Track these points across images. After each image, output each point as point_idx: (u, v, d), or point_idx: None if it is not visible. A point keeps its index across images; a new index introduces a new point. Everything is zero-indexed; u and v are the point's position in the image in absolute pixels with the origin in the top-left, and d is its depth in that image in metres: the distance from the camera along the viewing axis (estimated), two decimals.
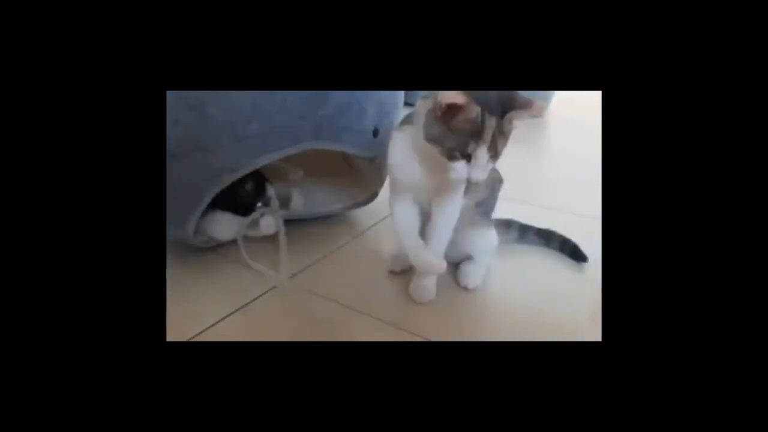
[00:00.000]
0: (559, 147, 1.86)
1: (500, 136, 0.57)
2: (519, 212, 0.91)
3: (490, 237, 0.77)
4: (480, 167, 0.57)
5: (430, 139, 0.58)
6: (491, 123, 0.56)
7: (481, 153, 0.57)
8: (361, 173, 0.92)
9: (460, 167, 0.57)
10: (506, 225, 0.87)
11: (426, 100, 0.60)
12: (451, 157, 0.57)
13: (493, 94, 0.57)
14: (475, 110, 0.55)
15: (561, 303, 0.73)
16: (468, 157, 0.57)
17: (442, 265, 0.68)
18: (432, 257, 0.67)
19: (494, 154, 0.58)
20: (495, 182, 0.73)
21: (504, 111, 0.56)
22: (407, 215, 0.68)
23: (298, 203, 0.92)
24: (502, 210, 0.83)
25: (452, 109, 0.55)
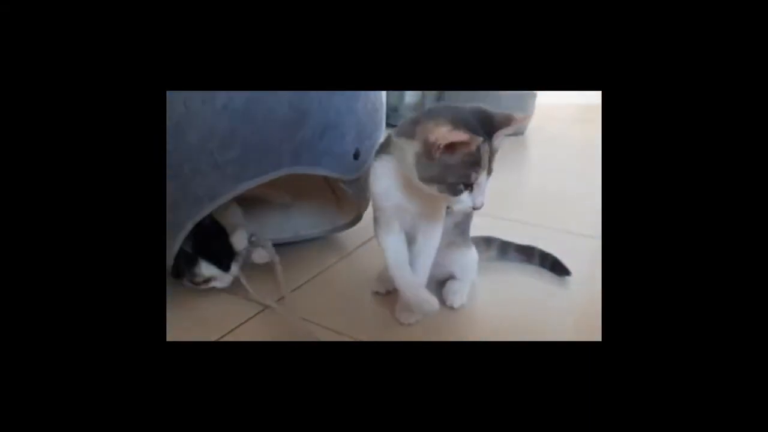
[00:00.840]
0: (538, 163, 1.90)
1: (492, 156, 0.57)
2: (499, 228, 0.92)
3: (470, 255, 0.78)
4: (482, 192, 0.58)
5: (428, 180, 0.56)
6: (486, 148, 0.55)
7: (483, 179, 0.57)
8: (345, 196, 0.92)
9: (465, 198, 0.57)
10: (486, 242, 0.88)
11: (408, 141, 0.58)
12: (456, 192, 0.56)
13: (468, 115, 0.56)
14: (476, 142, 0.53)
15: (547, 318, 0.73)
16: (470, 187, 0.57)
17: (436, 305, 0.66)
18: (428, 296, 0.66)
19: (490, 173, 0.58)
20: None
21: (488, 132, 0.56)
22: (398, 249, 0.67)
23: (240, 242, 0.86)
24: (482, 227, 0.84)
25: (451, 147, 0.53)
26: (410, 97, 2.77)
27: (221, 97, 0.63)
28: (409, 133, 0.58)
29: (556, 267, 0.84)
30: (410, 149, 0.57)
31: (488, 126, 0.56)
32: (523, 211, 1.17)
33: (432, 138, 0.53)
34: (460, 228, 0.74)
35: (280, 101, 0.67)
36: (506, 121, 0.57)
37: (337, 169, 0.78)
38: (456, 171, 0.55)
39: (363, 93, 0.78)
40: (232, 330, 0.70)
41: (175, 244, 0.72)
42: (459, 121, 0.55)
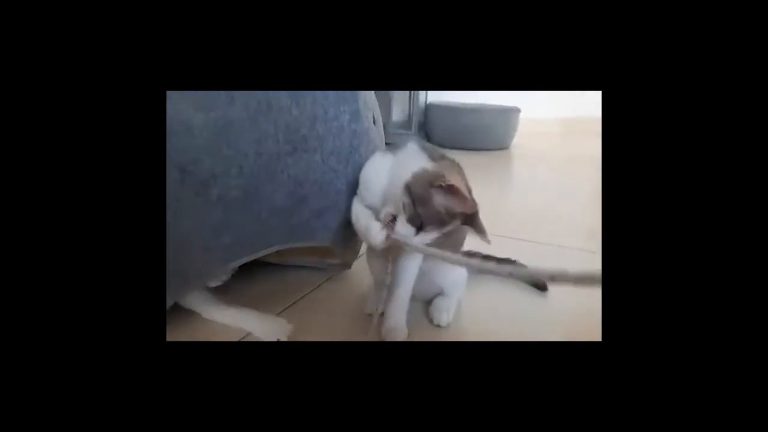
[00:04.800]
0: (522, 178, 1.93)
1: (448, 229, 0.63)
2: (482, 243, 0.93)
3: (459, 270, 0.78)
4: (396, 231, 0.61)
5: (408, 188, 0.59)
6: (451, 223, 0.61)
7: (426, 237, 0.61)
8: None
9: (401, 227, 0.61)
10: (468, 257, 0.88)
11: (427, 158, 0.62)
12: (408, 220, 0.60)
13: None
14: (472, 208, 0.59)
15: (531, 332, 0.73)
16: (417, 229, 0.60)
17: (405, 333, 0.68)
18: (398, 323, 0.68)
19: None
20: None
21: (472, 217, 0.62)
22: (363, 210, 0.69)
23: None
24: (466, 242, 0.85)
25: (450, 190, 0.57)
26: (398, 115, 2.82)
27: (216, 187, 0.59)
28: (433, 155, 0.62)
29: (536, 282, 0.86)
30: (420, 161, 0.61)
31: (476, 212, 0.61)
32: (506, 225, 1.19)
33: (441, 178, 0.57)
34: (451, 240, 0.75)
35: (278, 191, 0.64)
36: (483, 229, 0.63)
37: (332, 241, 0.75)
38: (423, 211, 0.59)
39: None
40: None
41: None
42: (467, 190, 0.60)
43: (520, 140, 2.63)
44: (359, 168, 0.71)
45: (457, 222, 0.61)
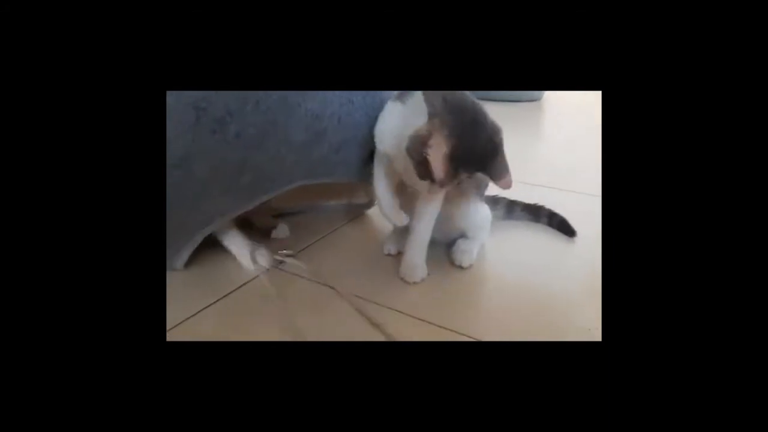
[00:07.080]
0: (553, 128, 1.86)
1: (465, 178, 0.61)
2: (512, 189, 0.91)
3: (483, 212, 0.77)
4: (436, 196, 0.65)
5: (408, 152, 0.58)
6: (460, 177, 0.58)
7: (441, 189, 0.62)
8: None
9: (423, 185, 0.61)
10: (494, 201, 0.87)
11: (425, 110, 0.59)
12: (419, 175, 0.59)
13: (481, 141, 0.57)
14: (443, 185, 0.58)
15: (555, 277, 0.72)
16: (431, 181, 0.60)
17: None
18: (417, 262, 0.70)
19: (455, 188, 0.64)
20: None
21: (479, 168, 0.58)
22: (384, 175, 0.70)
23: (282, 233, 0.86)
24: (493, 188, 0.83)
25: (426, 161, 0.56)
26: None
27: (233, 125, 0.58)
28: (433, 106, 0.57)
29: (562, 227, 0.84)
30: (419, 117, 0.57)
31: (487, 163, 0.58)
32: (535, 174, 1.16)
33: (429, 140, 0.55)
34: (474, 182, 0.73)
35: (296, 126, 0.62)
36: (499, 174, 0.59)
37: (352, 176, 0.74)
38: (428, 174, 0.57)
39: (386, 102, 0.71)
40: (230, 292, 0.69)
41: (183, 254, 0.71)
42: (464, 147, 0.56)
43: (551, 93, 2.52)
44: (378, 100, 0.68)
45: (466, 175, 0.59)
